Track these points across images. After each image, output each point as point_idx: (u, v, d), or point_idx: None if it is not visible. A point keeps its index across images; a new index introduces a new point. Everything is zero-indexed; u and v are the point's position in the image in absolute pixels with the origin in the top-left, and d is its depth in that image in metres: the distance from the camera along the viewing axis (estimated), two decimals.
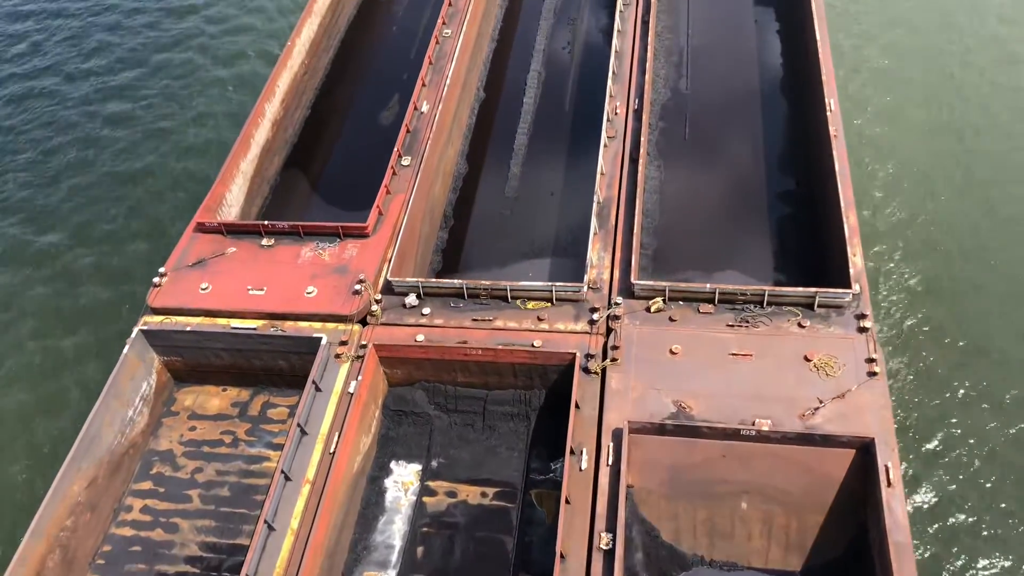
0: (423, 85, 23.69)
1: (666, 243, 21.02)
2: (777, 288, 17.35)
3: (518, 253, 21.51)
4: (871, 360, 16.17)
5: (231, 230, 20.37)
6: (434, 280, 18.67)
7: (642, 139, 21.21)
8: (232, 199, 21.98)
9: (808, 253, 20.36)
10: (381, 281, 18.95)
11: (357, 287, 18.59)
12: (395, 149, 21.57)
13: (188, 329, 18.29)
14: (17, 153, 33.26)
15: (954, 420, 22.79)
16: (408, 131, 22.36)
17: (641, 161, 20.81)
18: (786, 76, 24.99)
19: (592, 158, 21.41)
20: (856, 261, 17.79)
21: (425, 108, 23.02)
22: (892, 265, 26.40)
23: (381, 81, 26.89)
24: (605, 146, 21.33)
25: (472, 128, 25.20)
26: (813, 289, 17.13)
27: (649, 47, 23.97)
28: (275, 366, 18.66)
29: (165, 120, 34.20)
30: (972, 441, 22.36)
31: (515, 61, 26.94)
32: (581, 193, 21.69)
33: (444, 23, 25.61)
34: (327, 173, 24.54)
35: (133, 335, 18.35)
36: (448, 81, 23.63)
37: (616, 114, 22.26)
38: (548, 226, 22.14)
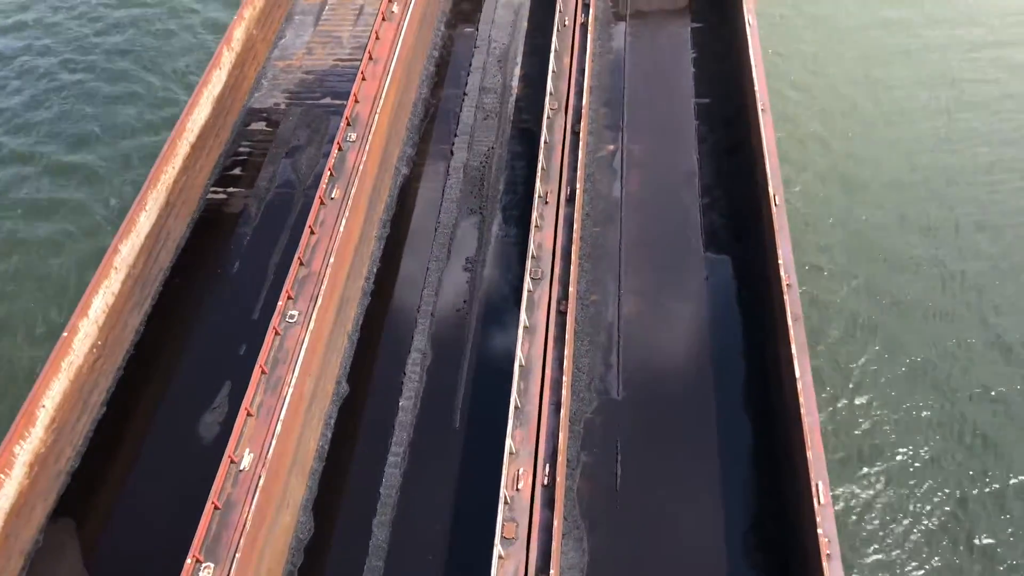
0: (252, 408, 16.70)
1: None
2: None
3: None
4: None
5: None
6: None
7: (556, 516, 14.59)
8: None
9: None
10: None
11: None
12: (199, 530, 14.41)
13: None
14: None
15: None
16: (220, 493, 15.32)
17: (554, 556, 14.19)
18: (749, 373, 18.91)
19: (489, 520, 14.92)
20: None
21: (246, 462, 15.92)
22: None
23: (207, 361, 19.69)
24: (506, 526, 14.73)
25: (330, 441, 18.35)
26: None
27: (567, 346, 17.55)
28: None
29: None
30: None
31: (390, 336, 20.12)
32: None
33: (290, 296, 18.52)
34: (116, 526, 17.22)
35: None
36: (290, 394, 16.71)
37: (517, 449, 15.67)
38: None
